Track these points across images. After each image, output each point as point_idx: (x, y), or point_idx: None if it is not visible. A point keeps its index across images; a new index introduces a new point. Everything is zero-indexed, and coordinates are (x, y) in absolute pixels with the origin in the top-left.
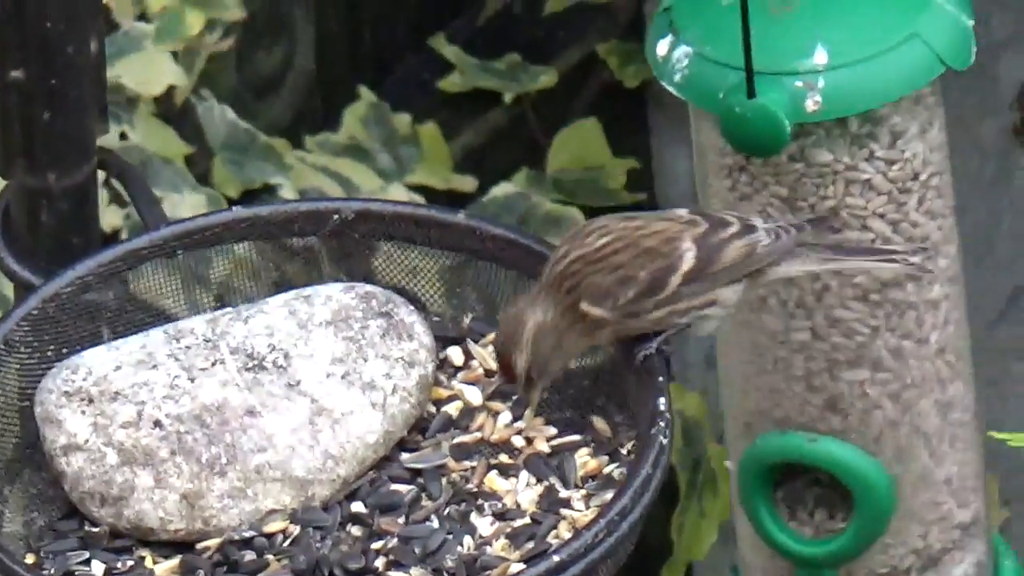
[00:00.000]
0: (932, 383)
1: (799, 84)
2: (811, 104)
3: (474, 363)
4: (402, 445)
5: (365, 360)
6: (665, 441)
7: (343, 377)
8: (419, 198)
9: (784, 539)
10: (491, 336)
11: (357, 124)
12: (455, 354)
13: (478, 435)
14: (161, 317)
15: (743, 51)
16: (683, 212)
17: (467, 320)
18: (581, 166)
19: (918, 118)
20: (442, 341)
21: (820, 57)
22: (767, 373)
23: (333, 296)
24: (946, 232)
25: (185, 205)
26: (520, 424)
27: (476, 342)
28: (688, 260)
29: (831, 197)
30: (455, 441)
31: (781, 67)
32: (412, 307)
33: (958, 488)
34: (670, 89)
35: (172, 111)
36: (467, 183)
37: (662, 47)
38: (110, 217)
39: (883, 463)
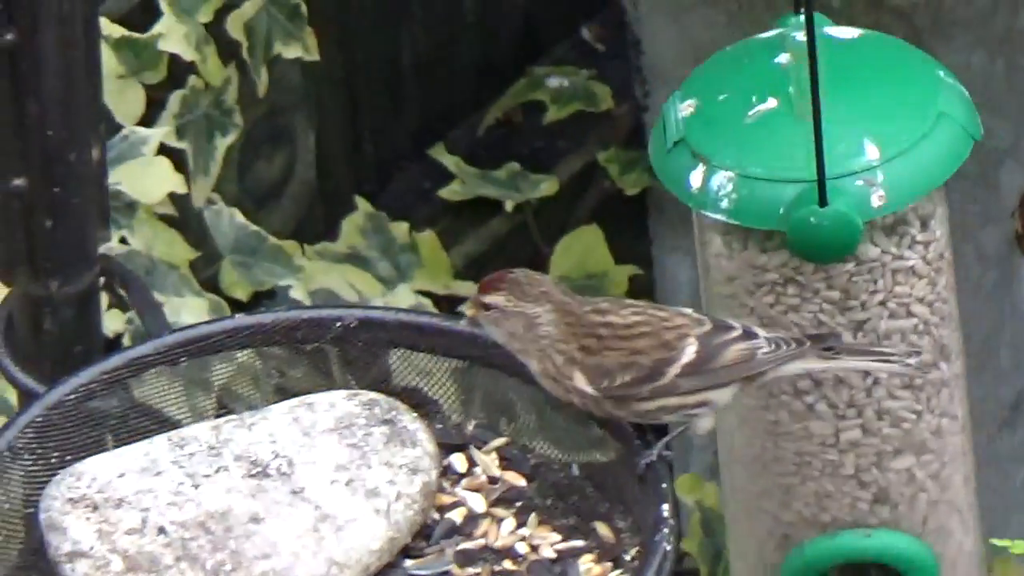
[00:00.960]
0: (959, 457)
1: (860, 183)
2: (876, 200)
3: (477, 470)
4: (406, 552)
5: (369, 467)
6: (669, 548)
7: (347, 484)
8: (426, 302)
9: None
10: (495, 443)
11: (356, 233)
12: (458, 461)
13: (482, 542)
14: (164, 424)
15: (815, 161)
16: (690, 311)
17: (471, 427)
18: (583, 273)
19: (935, 198)
20: (445, 448)
21: (872, 152)
22: (813, 479)
23: (336, 403)
24: (955, 305)
25: (188, 309)
26: (524, 531)
27: (479, 448)
28: (689, 354)
29: (881, 290)
30: (459, 548)
31: (835, 170)
32: (416, 414)
33: (982, 561)
34: (718, 218)
35: (174, 216)
36: (468, 288)
37: (695, 178)
38: (111, 322)
39: (930, 545)
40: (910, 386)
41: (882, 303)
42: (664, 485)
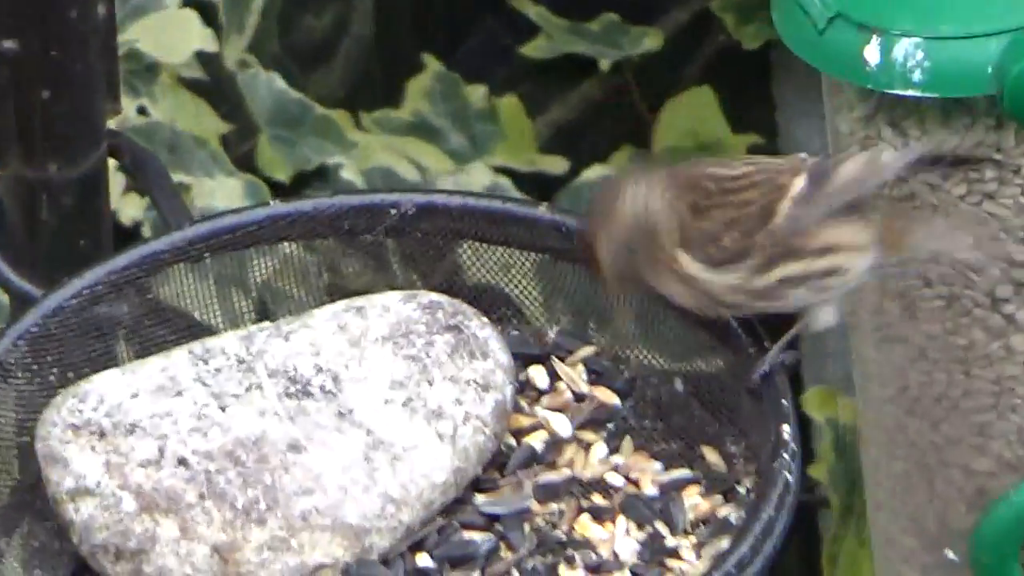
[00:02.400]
0: None
1: None
2: None
3: (560, 385)
4: (476, 485)
5: (430, 383)
6: (791, 477)
7: (404, 404)
8: (505, 181)
9: None
10: (582, 352)
11: (423, 98)
12: (538, 375)
13: (567, 472)
14: (188, 332)
15: None
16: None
17: (552, 333)
18: (694, 143)
19: None
20: (523, 359)
21: None
22: (1016, 410)
23: (391, 307)
24: None
25: (221, 193)
26: (618, 459)
27: (563, 360)
28: (799, 184)
29: None
30: (540, 480)
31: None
32: (486, 319)
33: None
34: (912, 94)
35: (204, 81)
36: (557, 164)
37: (871, 54)
38: (129, 208)
39: None
40: None
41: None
42: (785, 401)
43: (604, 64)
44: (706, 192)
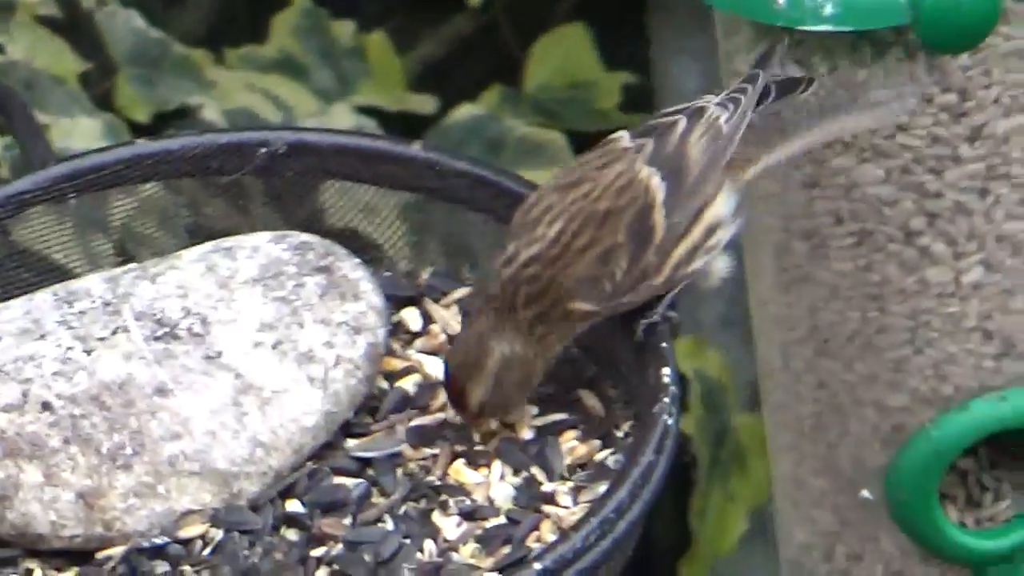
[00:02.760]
0: None
1: None
2: None
3: (434, 328)
4: (348, 429)
5: (301, 326)
6: (671, 421)
7: (274, 347)
8: (369, 122)
9: (971, 541)
10: (456, 294)
11: (289, 34)
12: (411, 317)
13: (441, 416)
14: (50, 274)
15: None
16: (623, 136)
17: (425, 275)
18: (566, 82)
19: None
20: (395, 301)
21: None
22: (932, 344)
23: (260, 248)
24: None
25: (79, 133)
26: None
27: (437, 301)
28: (656, 187)
29: (996, 83)
30: (413, 424)
31: None
32: (358, 260)
33: None
34: (825, 29)
35: (61, 19)
36: (426, 103)
37: None
38: None
39: None
40: None
41: (996, 100)
42: (665, 344)
43: (474, 0)
44: (531, 279)
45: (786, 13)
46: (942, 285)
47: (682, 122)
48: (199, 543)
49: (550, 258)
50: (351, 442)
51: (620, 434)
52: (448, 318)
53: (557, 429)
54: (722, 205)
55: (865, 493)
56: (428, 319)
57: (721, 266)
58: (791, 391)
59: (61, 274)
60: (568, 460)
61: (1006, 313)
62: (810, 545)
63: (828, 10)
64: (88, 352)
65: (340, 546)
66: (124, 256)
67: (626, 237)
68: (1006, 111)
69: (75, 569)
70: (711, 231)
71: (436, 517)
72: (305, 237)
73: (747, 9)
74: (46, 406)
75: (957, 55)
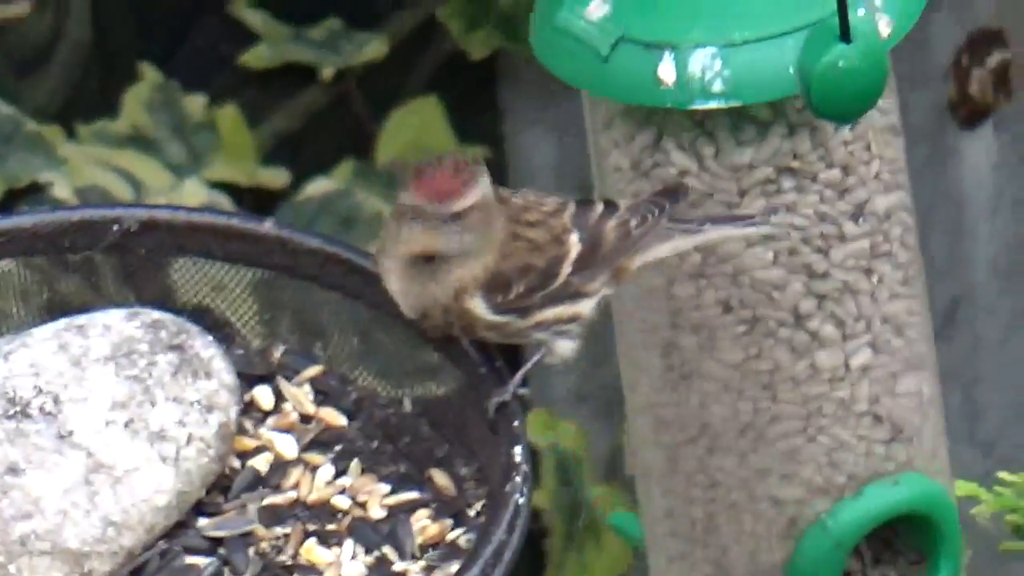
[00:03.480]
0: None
1: (861, 11)
2: (884, 28)
3: (287, 406)
4: (200, 508)
5: (153, 404)
6: (522, 500)
7: (126, 425)
8: (222, 198)
9: None
10: (308, 372)
11: (140, 109)
12: (264, 395)
13: (292, 495)
14: None
15: None
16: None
17: (277, 353)
18: (418, 156)
19: None
20: (248, 379)
21: None
22: (824, 431)
23: (113, 326)
24: None
25: None
26: (345, 481)
27: (289, 380)
28: (575, 244)
29: (875, 157)
30: (264, 503)
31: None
32: (211, 338)
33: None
34: (716, 105)
35: None
36: (277, 178)
37: (666, 71)
38: None
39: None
40: (907, 281)
41: (876, 176)
42: (516, 423)
43: (327, 72)
44: (519, 222)
45: (674, 94)
46: (832, 369)
47: (600, 206)
48: None
49: (531, 218)
50: (203, 521)
51: (472, 513)
52: (300, 397)
53: (409, 508)
54: (595, 299)
55: None
56: (280, 397)
57: (567, 347)
58: (681, 495)
59: None
60: (420, 539)
61: (893, 396)
62: None
63: (717, 86)
64: None
65: None
66: None
67: (541, 266)
68: (886, 187)
69: None
70: (575, 316)
71: None
72: (157, 315)
73: (635, 95)
74: None
75: (840, 128)
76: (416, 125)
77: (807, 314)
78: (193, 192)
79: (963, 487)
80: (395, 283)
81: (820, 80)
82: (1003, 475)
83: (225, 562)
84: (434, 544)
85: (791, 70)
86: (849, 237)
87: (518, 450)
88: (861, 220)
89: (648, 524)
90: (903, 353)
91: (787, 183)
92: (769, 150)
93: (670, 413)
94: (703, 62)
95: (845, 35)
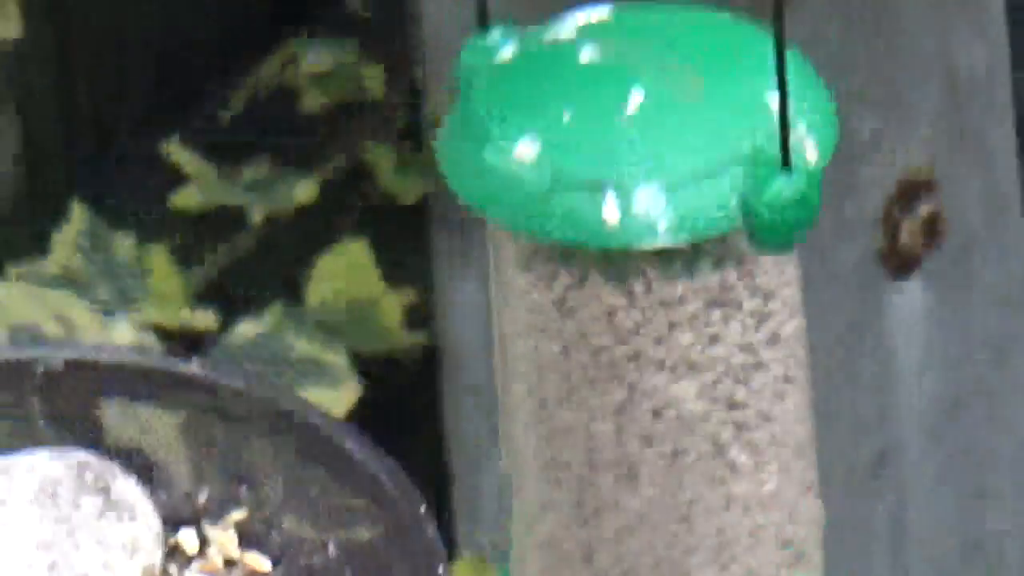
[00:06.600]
0: None
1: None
2: (811, 153)
3: (211, 551)
4: None
5: (77, 547)
6: None
7: (50, 568)
8: (150, 338)
9: None
10: (233, 516)
11: (70, 249)
12: (188, 539)
13: None
14: None
15: (779, 123)
16: None
17: (203, 497)
18: (347, 299)
19: None
20: (172, 523)
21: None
22: (739, 557)
23: (37, 467)
24: None
25: None
26: None
27: (214, 524)
28: None
29: (788, 283)
30: None
31: (753, 139)
32: (135, 480)
33: None
34: (663, 244)
35: None
36: (207, 320)
37: (610, 213)
38: None
39: None
40: (809, 404)
41: (785, 302)
42: (441, 570)
43: (256, 216)
44: None
45: (618, 234)
46: (746, 497)
47: None
48: None
49: None
50: None
51: None
52: (225, 541)
53: None
54: None
55: None
56: (205, 542)
57: None
58: None
59: None
60: None
61: (796, 523)
62: None
63: (663, 224)
64: None
65: None
66: None
67: None
68: (791, 312)
69: None
70: None
71: None
72: (83, 456)
73: (576, 236)
74: None
75: (766, 256)
76: (345, 269)
77: (726, 443)
78: (123, 333)
79: None
80: None
81: (768, 211)
82: None
83: None
84: None
85: (733, 203)
86: (765, 364)
87: None
88: (777, 347)
89: None
90: (802, 477)
91: (716, 314)
92: (700, 282)
93: (573, 549)
94: (647, 201)
95: (787, 162)
